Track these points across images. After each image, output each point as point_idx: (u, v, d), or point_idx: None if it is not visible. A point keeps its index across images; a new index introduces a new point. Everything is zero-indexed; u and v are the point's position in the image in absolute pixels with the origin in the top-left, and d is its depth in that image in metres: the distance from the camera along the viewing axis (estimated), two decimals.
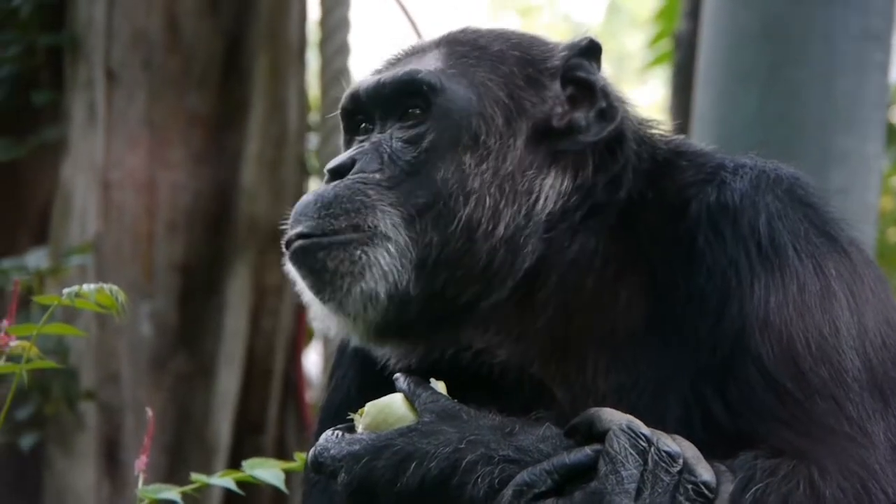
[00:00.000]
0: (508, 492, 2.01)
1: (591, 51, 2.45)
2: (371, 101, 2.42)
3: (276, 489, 2.75)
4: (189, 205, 6.19)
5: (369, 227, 2.27)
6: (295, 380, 6.38)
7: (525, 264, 2.32)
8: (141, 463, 2.63)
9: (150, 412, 2.76)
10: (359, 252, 2.27)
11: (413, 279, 2.28)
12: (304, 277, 2.32)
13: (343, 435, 2.14)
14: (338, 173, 2.35)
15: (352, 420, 2.18)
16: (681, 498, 1.98)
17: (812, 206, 2.31)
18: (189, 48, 6.21)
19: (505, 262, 2.31)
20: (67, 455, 5.82)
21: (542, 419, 2.11)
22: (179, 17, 6.20)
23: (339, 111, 2.49)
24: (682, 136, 2.53)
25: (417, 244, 2.29)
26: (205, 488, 2.73)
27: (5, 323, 2.56)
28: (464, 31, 2.48)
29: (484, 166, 2.33)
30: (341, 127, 2.50)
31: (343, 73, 5.75)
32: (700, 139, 3.51)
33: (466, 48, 2.42)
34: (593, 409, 2.07)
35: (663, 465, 1.99)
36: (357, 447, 2.10)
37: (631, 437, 2.00)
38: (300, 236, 2.30)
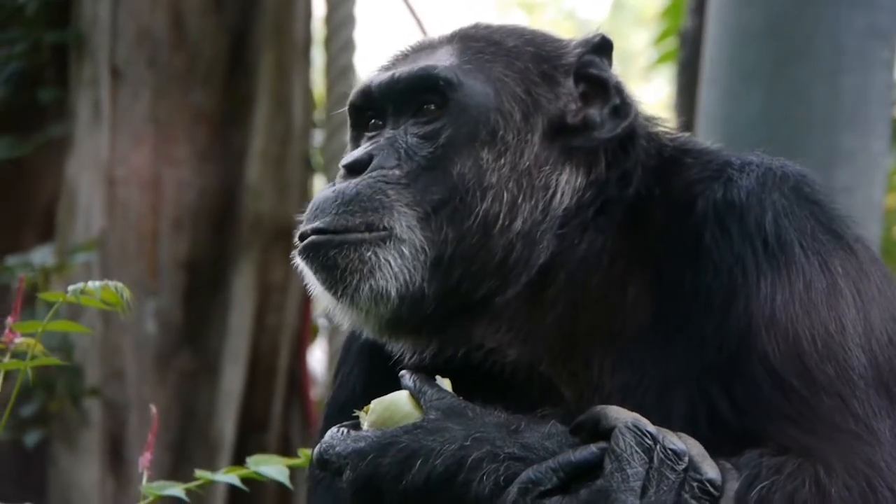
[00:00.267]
0: (514, 489, 2.00)
1: (603, 48, 2.45)
2: (384, 96, 2.41)
3: (280, 486, 2.76)
4: (194, 202, 6.19)
5: (384, 227, 2.27)
6: (299, 377, 6.38)
7: (540, 260, 2.32)
8: (145, 460, 2.63)
9: (154, 409, 2.76)
10: (369, 253, 2.26)
11: (428, 277, 2.28)
12: (315, 272, 2.31)
13: (348, 432, 2.13)
14: (354, 170, 2.33)
15: (357, 417, 2.18)
16: (686, 496, 1.98)
17: (818, 204, 2.31)
18: (194, 45, 6.21)
19: (521, 257, 2.31)
20: (72, 452, 5.83)
21: (548, 417, 2.11)
22: (184, 14, 6.20)
23: (347, 107, 2.48)
24: (687, 134, 2.52)
25: (433, 243, 2.28)
26: (209, 485, 2.73)
27: (10, 320, 2.56)
28: (476, 27, 2.48)
29: (501, 161, 2.32)
30: (349, 123, 2.49)
31: (348, 69, 5.74)
32: (705, 137, 3.50)
33: (481, 44, 2.42)
34: (599, 407, 2.06)
35: (669, 462, 1.98)
36: (362, 444, 2.10)
37: (636, 434, 1.99)
38: (315, 231, 2.29)
